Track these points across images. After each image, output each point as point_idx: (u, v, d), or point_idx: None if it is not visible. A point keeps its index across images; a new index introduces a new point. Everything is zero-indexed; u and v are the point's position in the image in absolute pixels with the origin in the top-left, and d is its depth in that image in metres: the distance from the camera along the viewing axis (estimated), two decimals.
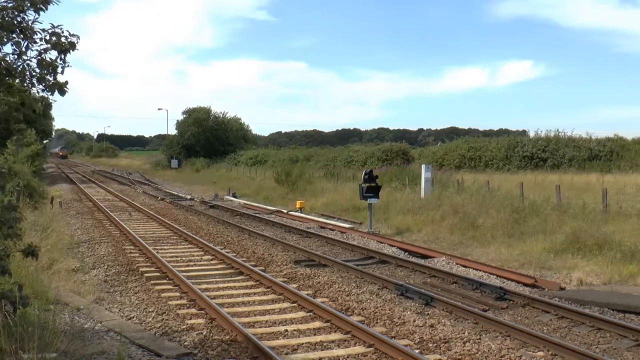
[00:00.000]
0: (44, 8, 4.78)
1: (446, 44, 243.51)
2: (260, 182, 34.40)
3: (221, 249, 13.02)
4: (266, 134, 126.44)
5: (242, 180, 38.33)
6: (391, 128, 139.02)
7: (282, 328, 7.44)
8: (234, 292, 9.46)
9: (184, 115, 66.57)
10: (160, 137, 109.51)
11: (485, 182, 20.32)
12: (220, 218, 19.39)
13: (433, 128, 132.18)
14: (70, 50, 4.89)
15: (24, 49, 4.82)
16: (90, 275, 10.56)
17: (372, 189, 16.31)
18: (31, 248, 5.43)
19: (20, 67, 4.85)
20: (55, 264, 10.45)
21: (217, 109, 73.92)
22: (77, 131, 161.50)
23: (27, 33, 4.75)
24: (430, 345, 6.83)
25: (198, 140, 63.06)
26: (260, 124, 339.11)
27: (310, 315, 8.00)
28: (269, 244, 14.22)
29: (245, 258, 12.35)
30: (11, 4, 4.72)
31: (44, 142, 45.44)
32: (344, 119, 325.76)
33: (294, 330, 7.37)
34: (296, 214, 20.53)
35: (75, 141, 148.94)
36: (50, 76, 4.88)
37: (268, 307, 8.53)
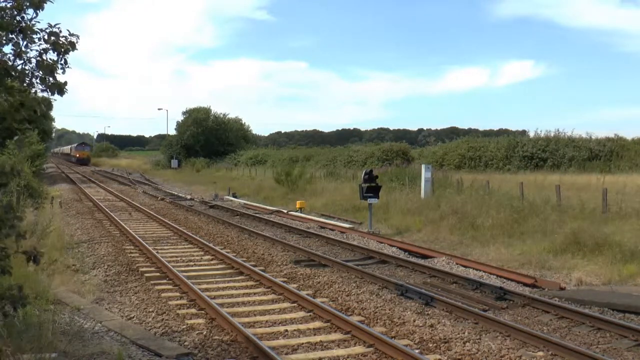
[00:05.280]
0: (42, 7, 4.77)
1: (447, 44, 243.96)
2: (260, 182, 34.39)
3: (221, 249, 13.02)
4: (266, 134, 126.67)
5: (242, 180, 38.33)
6: (391, 128, 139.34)
7: (282, 328, 7.44)
8: (234, 292, 9.46)
9: (184, 116, 66.73)
10: (160, 137, 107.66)
11: (485, 182, 20.30)
12: (220, 218, 19.38)
13: (433, 128, 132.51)
14: (70, 50, 4.88)
15: (23, 49, 4.81)
16: (90, 275, 10.56)
17: (372, 189, 16.31)
18: (34, 252, 5.39)
19: (20, 67, 4.85)
20: (55, 264, 10.45)
21: (217, 109, 74.26)
22: (77, 131, 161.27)
23: (27, 33, 4.75)
24: (430, 345, 6.83)
25: (198, 140, 63.15)
26: (260, 124, 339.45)
27: (310, 315, 8.00)
28: (269, 244, 14.22)
29: (245, 258, 12.35)
30: (10, 4, 4.71)
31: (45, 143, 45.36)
32: (344, 119, 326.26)
33: (294, 330, 7.37)
34: (296, 214, 20.53)
35: (76, 140, 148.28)
36: (50, 76, 4.87)
37: (268, 307, 8.53)
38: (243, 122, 71.40)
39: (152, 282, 9.96)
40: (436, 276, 10.67)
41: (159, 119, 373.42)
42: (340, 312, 7.89)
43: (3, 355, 4.96)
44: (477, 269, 11.13)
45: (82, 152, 78.36)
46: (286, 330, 7.34)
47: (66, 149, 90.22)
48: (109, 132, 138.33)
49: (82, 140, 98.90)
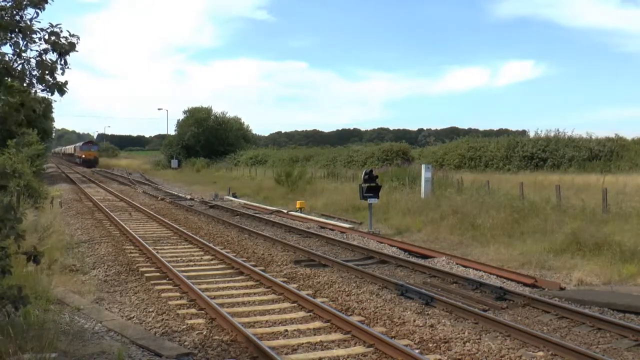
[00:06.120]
0: (42, 6, 4.77)
1: (447, 44, 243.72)
2: (260, 182, 34.40)
3: (221, 249, 13.02)
4: (266, 134, 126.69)
5: (242, 180, 38.34)
6: (391, 128, 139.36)
7: (282, 328, 7.44)
8: (234, 292, 9.46)
9: (185, 115, 66.75)
10: (160, 137, 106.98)
11: (485, 182, 20.31)
12: (220, 218, 19.38)
13: (433, 128, 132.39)
14: (70, 51, 4.88)
15: (23, 49, 4.81)
16: (90, 275, 10.56)
17: (372, 189, 16.31)
18: (34, 252, 5.39)
19: (20, 67, 4.85)
20: (55, 264, 10.45)
21: (217, 109, 73.95)
22: (77, 131, 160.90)
23: (26, 32, 4.75)
24: (430, 345, 6.83)
25: (198, 140, 63.15)
26: (260, 124, 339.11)
27: (310, 315, 8.00)
28: (269, 244, 14.22)
29: (245, 258, 12.35)
30: (10, 3, 4.72)
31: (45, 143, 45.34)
32: (344, 119, 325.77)
33: (294, 330, 7.37)
34: (296, 214, 20.53)
35: (76, 140, 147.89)
36: (50, 76, 4.87)
37: (268, 307, 8.53)
38: (243, 122, 71.54)
39: (152, 282, 9.96)
40: (436, 276, 10.67)
41: (159, 119, 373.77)
42: (340, 312, 7.89)
43: (4, 355, 4.97)
44: (477, 269, 11.13)
45: (88, 152, 66.87)
46: (286, 330, 7.34)
47: (69, 148, 78.04)
48: (108, 132, 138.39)
49: (85, 140, 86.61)
